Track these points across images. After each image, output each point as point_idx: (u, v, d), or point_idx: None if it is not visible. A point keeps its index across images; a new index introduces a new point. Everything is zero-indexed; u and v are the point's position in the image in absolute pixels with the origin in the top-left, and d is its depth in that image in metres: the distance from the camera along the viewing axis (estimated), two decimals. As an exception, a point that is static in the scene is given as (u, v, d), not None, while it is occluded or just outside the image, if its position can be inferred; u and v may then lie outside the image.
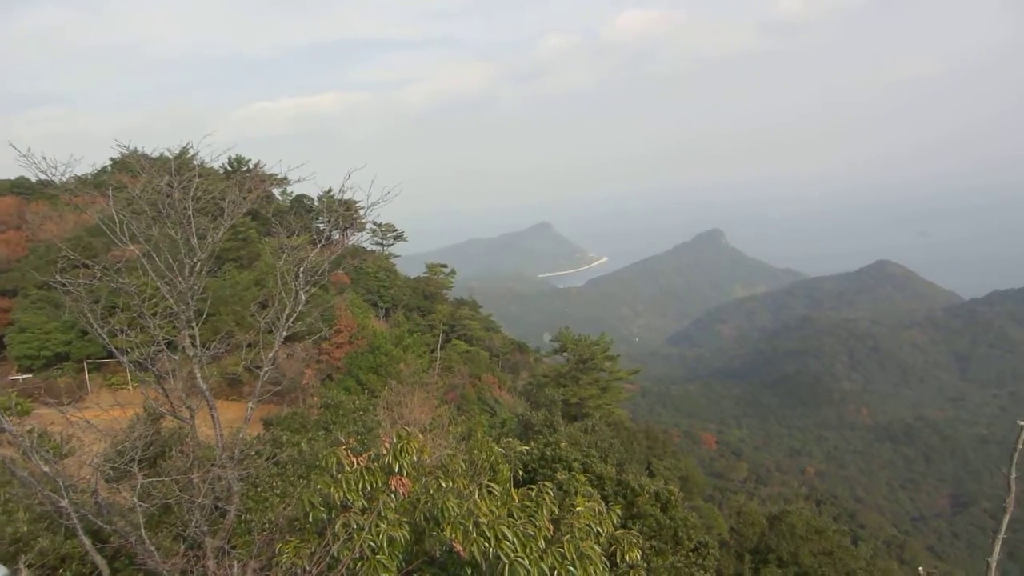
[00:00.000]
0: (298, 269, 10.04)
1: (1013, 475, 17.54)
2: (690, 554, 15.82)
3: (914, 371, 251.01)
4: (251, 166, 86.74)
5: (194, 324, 9.68)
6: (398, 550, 7.51)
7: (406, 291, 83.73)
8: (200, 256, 9.52)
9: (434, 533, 7.63)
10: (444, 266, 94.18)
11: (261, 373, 9.74)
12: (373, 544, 7.34)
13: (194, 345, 9.61)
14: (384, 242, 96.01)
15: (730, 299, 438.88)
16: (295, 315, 9.85)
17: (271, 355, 9.69)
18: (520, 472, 17.76)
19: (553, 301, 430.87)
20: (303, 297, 9.94)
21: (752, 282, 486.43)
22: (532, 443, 19.02)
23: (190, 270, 9.50)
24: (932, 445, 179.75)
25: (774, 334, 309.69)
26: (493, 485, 7.87)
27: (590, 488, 9.41)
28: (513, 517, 7.35)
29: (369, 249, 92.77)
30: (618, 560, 7.89)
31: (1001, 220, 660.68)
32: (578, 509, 7.64)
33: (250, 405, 9.89)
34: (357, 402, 21.21)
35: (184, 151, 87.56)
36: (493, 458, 17.31)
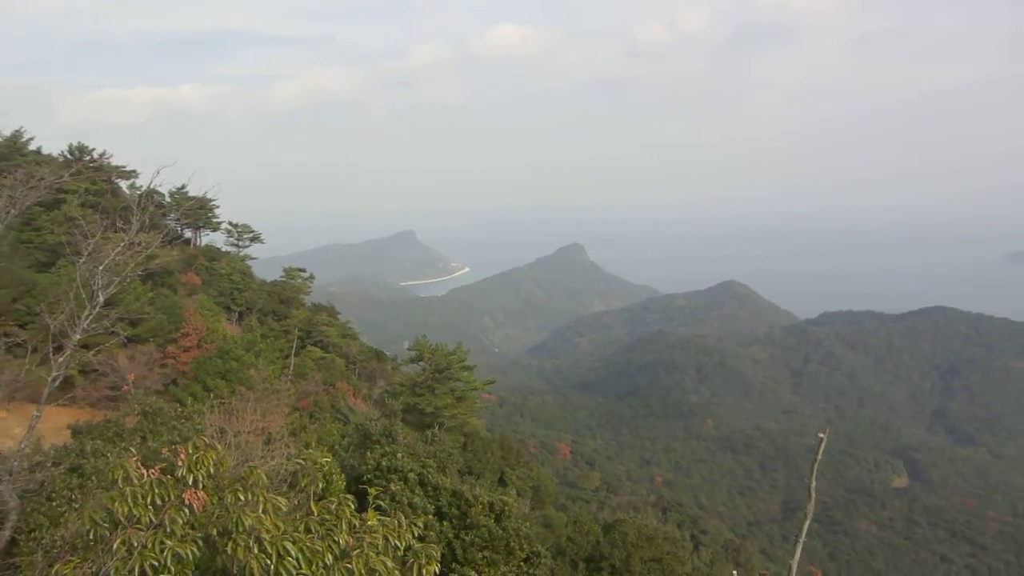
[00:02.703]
0: (97, 269, 9.28)
1: (813, 483, 18.90)
2: (521, 564, 16.01)
3: (754, 385, 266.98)
4: (95, 156, 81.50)
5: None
6: (189, 568, 7.06)
7: (261, 295, 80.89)
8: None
9: (227, 550, 7.20)
10: (302, 270, 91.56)
11: (49, 380, 8.96)
12: (156, 562, 6.87)
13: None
14: (240, 243, 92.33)
15: (588, 312, 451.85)
16: (92, 315, 9.13)
17: (62, 359, 8.94)
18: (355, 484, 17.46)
19: (414, 309, 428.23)
20: (102, 298, 9.24)
21: (610, 296, 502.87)
22: (369, 453, 18.72)
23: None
24: (768, 455, 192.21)
25: (629, 348, 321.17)
26: (280, 499, 7.54)
27: (385, 502, 9.20)
28: (311, 531, 7.09)
29: (224, 250, 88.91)
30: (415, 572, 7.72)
31: (836, 254, 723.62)
32: (370, 523, 7.43)
33: (35, 413, 9.08)
34: (179, 409, 20.00)
35: (17, 135, 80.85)
36: (327, 468, 16.91)
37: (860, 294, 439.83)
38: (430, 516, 15.84)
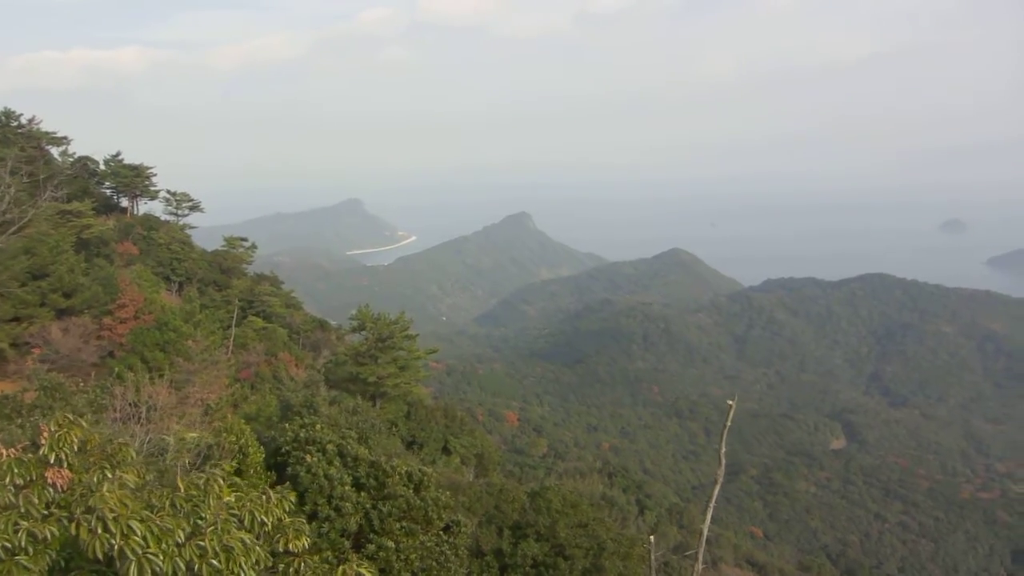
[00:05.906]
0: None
1: (723, 449, 19.27)
2: (441, 533, 16.10)
3: (699, 351, 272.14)
4: (23, 121, 78.51)
5: None
6: (52, 548, 6.86)
7: (202, 264, 79.22)
8: None
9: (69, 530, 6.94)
10: (244, 239, 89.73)
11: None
12: (8, 543, 6.64)
13: None
14: (179, 212, 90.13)
15: (536, 281, 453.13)
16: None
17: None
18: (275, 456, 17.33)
19: (361, 279, 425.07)
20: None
21: (557, 265, 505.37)
22: (288, 425, 18.57)
23: None
24: (712, 420, 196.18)
25: (576, 315, 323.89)
26: (126, 476, 7.35)
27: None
28: (176, 507, 6.92)
29: (163, 219, 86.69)
30: (280, 548, 7.62)
31: (779, 220, 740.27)
32: (226, 499, 7.30)
33: None
34: (80, 384, 19.46)
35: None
36: (243, 440, 16.71)
37: (802, 261, 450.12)
38: (347, 487, 15.80)
